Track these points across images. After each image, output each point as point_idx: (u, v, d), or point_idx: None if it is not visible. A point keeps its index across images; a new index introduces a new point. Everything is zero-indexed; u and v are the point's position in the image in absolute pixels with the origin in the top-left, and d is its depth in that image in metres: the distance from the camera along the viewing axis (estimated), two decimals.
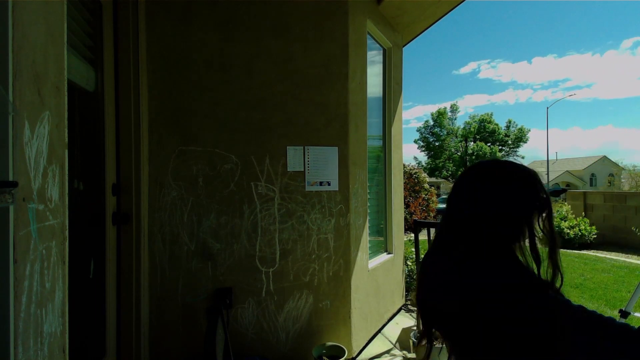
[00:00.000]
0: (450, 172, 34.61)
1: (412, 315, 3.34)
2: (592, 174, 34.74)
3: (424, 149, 35.05)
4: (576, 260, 5.94)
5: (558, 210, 8.03)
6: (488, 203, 0.78)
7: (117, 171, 2.09)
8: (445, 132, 33.47)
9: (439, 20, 3.37)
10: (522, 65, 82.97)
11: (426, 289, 0.86)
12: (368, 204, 2.77)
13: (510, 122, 34.08)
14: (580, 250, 7.02)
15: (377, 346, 2.73)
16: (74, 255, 1.13)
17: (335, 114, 2.42)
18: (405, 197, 5.01)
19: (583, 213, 8.02)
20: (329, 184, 2.41)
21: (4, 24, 0.77)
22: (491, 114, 33.38)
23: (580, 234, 7.20)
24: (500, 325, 0.69)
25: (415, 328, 2.81)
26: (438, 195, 8.05)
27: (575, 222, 7.36)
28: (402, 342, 2.81)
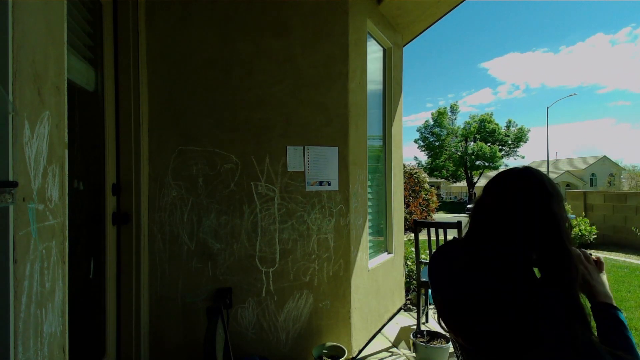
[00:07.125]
0: (450, 172, 34.55)
1: (412, 315, 3.34)
2: (592, 174, 34.69)
3: (424, 148, 34.99)
4: None
5: None
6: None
7: (117, 171, 2.09)
8: (445, 132, 33.40)
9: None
10: None
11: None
12: (368, 204, 2.77)
13: (510, 121, 33.99)
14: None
15: (377, 346, 2.73)
16: (74, 255, 1.13)
17: (335, 114, 2.42)
18: (405, 197, 5.01)
19: (583, 213, 8.01)
20: (329, 184, 2.41)
21: (4, 24, 0.77)
22: (491, 114, 33.28)
23: (580, 234, 7.20)
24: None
25: (415, 327, 2.81)
26: (438, 195, 8.03)
27: (575, 222, 7.36)
28: (402, 341, 2.81)
